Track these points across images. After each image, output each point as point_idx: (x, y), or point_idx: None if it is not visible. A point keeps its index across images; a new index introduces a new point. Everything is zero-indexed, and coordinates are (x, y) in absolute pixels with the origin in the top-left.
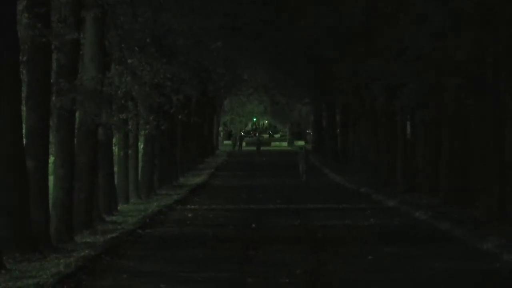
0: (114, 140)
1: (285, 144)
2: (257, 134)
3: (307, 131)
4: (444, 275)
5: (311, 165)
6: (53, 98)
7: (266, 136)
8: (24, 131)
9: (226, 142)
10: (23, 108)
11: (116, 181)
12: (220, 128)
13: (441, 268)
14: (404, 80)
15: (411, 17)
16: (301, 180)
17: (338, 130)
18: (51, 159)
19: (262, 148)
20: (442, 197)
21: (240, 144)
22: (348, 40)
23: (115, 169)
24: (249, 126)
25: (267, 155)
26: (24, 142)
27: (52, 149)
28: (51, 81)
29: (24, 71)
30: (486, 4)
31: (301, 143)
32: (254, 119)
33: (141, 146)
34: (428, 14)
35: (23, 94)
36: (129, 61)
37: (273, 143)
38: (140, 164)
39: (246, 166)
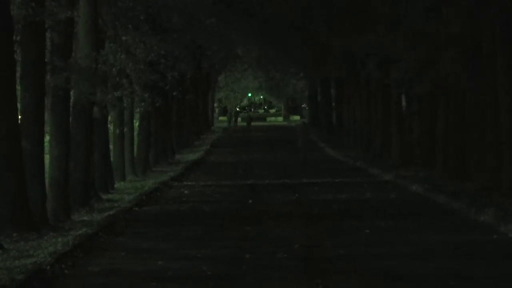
0: (109, 118)
1: (280, 119)
2: (246, 108)
3: (302, 105)
4: (442, 248)
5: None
6: (48, 77)
7: (261, 111)
8: (19, 111)
9: (221, 118)
10: (18, 87)
11: (112, 159)
12: (215, 104)
13: (438, 241)
14: (399, 53)
15: None
16: (299, 155)
17: (333, 105)
18: (47, 138)
19: (257, 123)
20: (438, 170)
21: (236, 120)
22: (342, 13)
23: (111, 147)
24: (244, 102)
25: (262, 131)
26: (19, 122)
27: (47, 128)
28: (45, 60)
29: (18, 51)
30: None
31: (296, 117)
32: (249, 95)
33: (136, 123)
34: None
35: (18, 74)
36: (123, 38)
37: (268, 118)
38: (135, 142)
39: (241, 141)
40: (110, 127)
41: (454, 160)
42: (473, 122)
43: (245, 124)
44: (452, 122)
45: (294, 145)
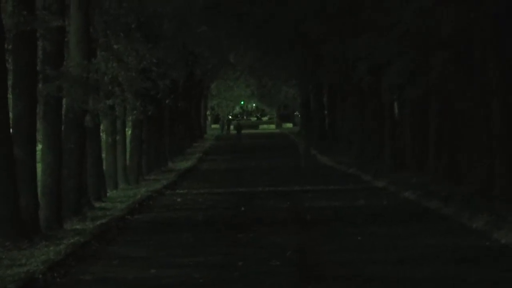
0: (101, 127)
1: (273, 126)
2: (238, 116)
3: (295, 113)
4: (433, 254)
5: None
6: (40, 85)
7: (254, 119)
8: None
9: (214, 125)
10: (9, 96)
11: (104, 167)
12: (208, 112)
13: (430, 247)
14: (391, 58)
15: None
16: (300, 162)
17: (326, 112)
18: (39, 146)
19: (249, 131)
20: (431, 175)
21: (228, 128)
22: (334, 18)
23: (103, 155)
24: (237, 110)
25: (255, 138)
26: (11, 130)
27: (39, 136)
28: (37, 68)
29: (9, 59)
30: None
31: (288, 125)
32: (242, 103)
33: (128, 132)
34: None
35: (9, 82)
36: (115, 46)
37: (261, 126)
38: (128, 150)
39: (234, 149)
40: (103, 135)
41: (446, 164)
42: (464, 126)
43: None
44: (444, 126)
45: (286, 152)
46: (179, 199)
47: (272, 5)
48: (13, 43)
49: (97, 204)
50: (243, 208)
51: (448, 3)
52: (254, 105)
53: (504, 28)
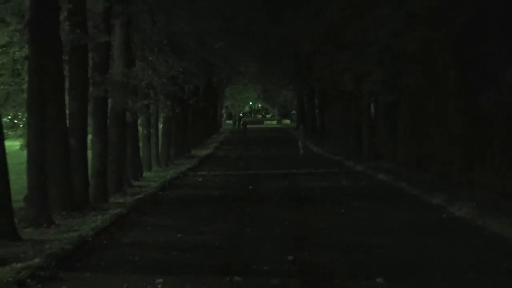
0: (139, 122)
1: (274, 122)
2: (247, 114)
3: (292, 112)
4: (402, 223)
5: (296, 139)
6: (90, 89)
7: (260, 116)
8: (67, 116)
9: (228, 121)
10: (66, 97)
11: (141, 154)
12: (223, 111)
13: (399, 218)
14: (369, 69)
15: (375, 18)
16: (299, 153)
17: (317, 111)
18: (89, 137)
19: (256, 126)
20: (400, 163)
21: (239, 123)
22: (323, 37)
23: (140, 144)
24: (246, 109)
25: (260, 131)
26: (67, 124)
27: (90, 129)
28: (88, 75)
29: (66, 68)
30: (433, 7)
31: (287, 121)
32: (250, 103)
33: (160, 126)
34: (388, 15)
35: (66, 86)
36: (150, 58)
37: (265, 122)
38: (160, 140)
39: (244, 140)
40: (140, 128)
41: (413, 154)
42: (428, 124)
43: (246, 127)
44: (411, 124)
45: (285, 143)
46: (199, 179)
47: (272, 28)
48: (69, 55)
49: (135, 183)
50: (250, 187)
51: (415, 26)
52: (259, 105)
53: (462, 46)
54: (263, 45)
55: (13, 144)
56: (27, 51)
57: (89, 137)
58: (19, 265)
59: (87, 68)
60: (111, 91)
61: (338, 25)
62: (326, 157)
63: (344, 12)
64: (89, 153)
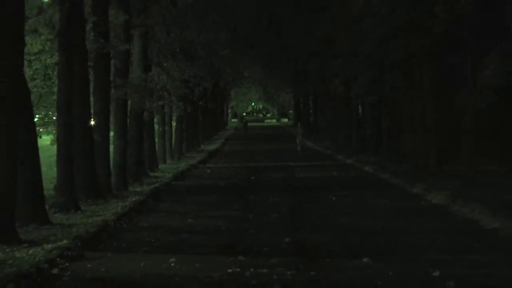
0: (155, 120)
1: (274, 120)
2: (249, 113)
3: (289, 112)
4: (385, 208)
5: (294, 136)
6: (112, 91)
7: (261, 115)
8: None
9: (233, 120)
10: (91, 98)
11: (156, 148)
12: (229, 110)
13: (383, 204)
14: (356, 75)
15: (360, 31)
16: (297, 149)
17: (311, 111)
18: (111, 134)
19: (257, 124)
20: (384, 156)
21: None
22: (316, 47)
23: (156, 140)
24: (249, 109)
25: (261, 129)
26: (92, 122)
27: (112, 126)
28: (110, 79)
29: (91, 73)
30: (412, 20)
31: (285, 120)
32: (252, 104)
33: (173, 124)
34: (371, 29)
35: (91, 89)
36: (164, 64)
37: (266, 120)
38: (173, 136)
39: (247, 136)
40: (155, 126)
41: (395, 148)
42: (407, 123)
43: (250, 124)
44: (393, 122)
45: (282, 138)
46: (208, 171)
47: (273, 38)
48: (94, 61)
49: (151, 174)
50: (252, 178)
51: (396, 38)
52: (261, 105)
53: (437, 54)
54: (264, 53)
55: (44, 139)
56: (57, 58)
57: (111, 133)
58: (50, 246)
59: (110, 73)
60: (130, 93)
61: (329, 37)
62: (319, 152)
63: (334, 26)
64: (111, 148)
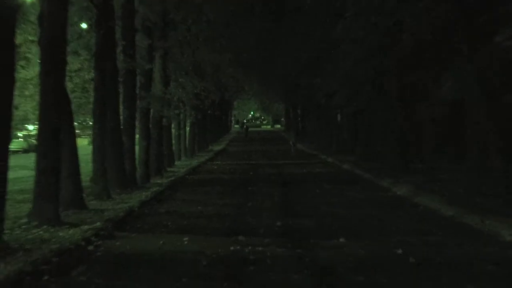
0: (172, 125)
1: (269, 126)
2: (249, 120)
3: (282, 119)
4: (360, 199)
5: (285, 139)
6: (137, 101)
7: (258, 122)
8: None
9: (235, 126)
10: (121, 107)
11: (174, 148)
12: (232, 118)
13: (358, 196)
14: (336, 89)
15: (340, 52)
16: (291, 152)
17: (299, 119)
18: (137, 136)
19: (255, 129)
20: (358, 156)
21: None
22: (303, 67)
23: (173, 141)
24: (249, 116)
25: (259, 133)
26: (121, 126)
27: (137, 130)
28: (136, 92)
29: (121, 86)
30: (384, 43)
31: (278, 126)
32: (251, 112)
33: (187, 128)
34: (350, 50)
35: (121, 100)
36: (180, 80)
37: (262, 126)
38: (187, 139)
39: (247, 140)
40: (173, 130)
41: (368, 150)
42: (379, 129)
43: (250, 129)
44: (367, 129)
45: (276, 141)
46: (215, 167)
47: (268, 59)
48: (123, 77)
49: (169, 169)
50: (251, 173)
51: (369, 59)
52: (258, 114)
53: (402, 71)
54: (261, 72)
55: (83, 140)
56: (93, 74)
57: (137, 136)
58: (86, 227)
59: (136, 87)
60: (152, 103)
61: (314, 59)
62: (306, 152)
63: (317, 49)
64: (137, 148)
